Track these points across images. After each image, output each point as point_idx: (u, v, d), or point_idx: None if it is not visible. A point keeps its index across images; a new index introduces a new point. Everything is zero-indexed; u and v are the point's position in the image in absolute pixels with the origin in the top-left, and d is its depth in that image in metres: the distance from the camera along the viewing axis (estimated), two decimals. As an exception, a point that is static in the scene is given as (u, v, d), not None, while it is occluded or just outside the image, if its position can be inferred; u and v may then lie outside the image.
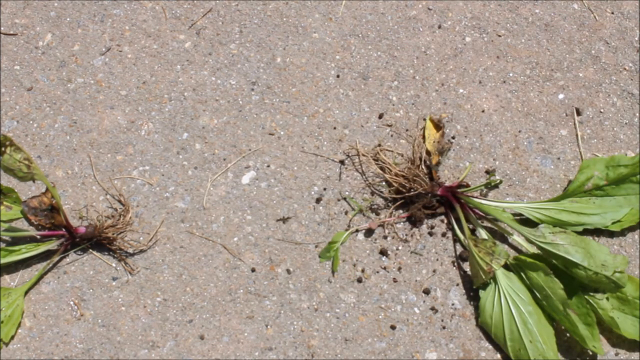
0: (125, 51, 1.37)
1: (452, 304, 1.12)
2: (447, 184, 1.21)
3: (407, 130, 1.28)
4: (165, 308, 1.12)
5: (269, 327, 1.11)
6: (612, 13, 1.41)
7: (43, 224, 1.13)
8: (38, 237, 1.16)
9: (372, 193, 1.22)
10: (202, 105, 1.31)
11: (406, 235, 1.18)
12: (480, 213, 1.18)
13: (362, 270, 1.15)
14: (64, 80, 1.34)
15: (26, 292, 1.13)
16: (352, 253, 1.17)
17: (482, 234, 1.15)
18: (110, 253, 1.16)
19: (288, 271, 1.15)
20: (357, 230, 1.18)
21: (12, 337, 1.10)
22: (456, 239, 1.17)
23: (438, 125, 1.25)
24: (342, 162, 1.25)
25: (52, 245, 1.14)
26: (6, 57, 1.36)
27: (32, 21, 1.41)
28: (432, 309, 1.12)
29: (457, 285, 1.14)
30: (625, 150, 1.26)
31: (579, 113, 1.29)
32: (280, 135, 1.27)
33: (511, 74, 1.34)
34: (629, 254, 1.16)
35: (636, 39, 1.38)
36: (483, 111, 1.30)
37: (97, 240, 1.16)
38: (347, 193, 1.22)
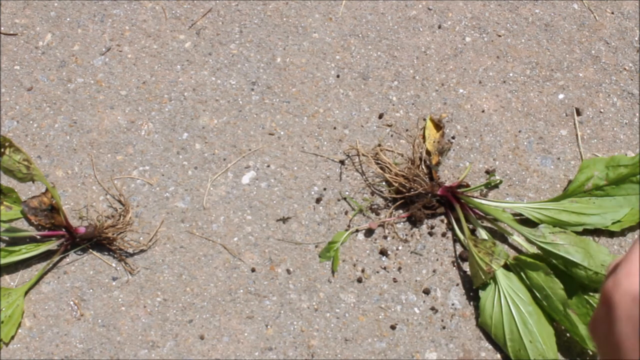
0: (125, 51, 1.37)
1: (452, 304, 1.12)
2: (447, 184, 1.21)
3: (407, 130, 1.28)
4: (165, 308, 1.12)
5: (269, 327, 1.11)
6: (612, 13, 1.41)
7: (43, 224, 1.13)
8: (38, 237, 1.16)
9: (372, 193, 1.22)
10: (202, 105, 1.31)
11: (406, 235, 1.18)
12: (480, 213, 1.18)
13: (362, 270, 1.15)
14: (64, 80, 1.34)
15: (26, 292, 1.13)
16: (352, 253, 1.17)
17: (482, 234, 1.15)
18: (110, 253, 1.16)
19: (288, 271, 1.15)
20: (357, 230, 1.18)
21: (12, 337, 1.10)
22: (456, 239, 1.17)
23: (438, 125, 1.25)
24: (342, 162, 1.25)
25: (52, 245, 1.14)
26: (6, 57, 1.36)
27: (32, 21, 1.41)
28: (432, 309, 1.12)
29: (457, 285, 1.14)
30: (625, 150, 1.26)
31: (579, 113, 1.29)
32: (280, 135, 1.27)
33: (511, 74, 1.34)
34: (629, 254, 1.16)
35: (636, 39, 1.38)
36: (483, 111, 1.30)
37: (97, 240, 1.16)
38: (347, 193, 1.22)
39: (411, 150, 1.25)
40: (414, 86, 1.33)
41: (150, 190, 1.22)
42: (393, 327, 1.10)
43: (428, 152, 1.22)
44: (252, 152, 1.26)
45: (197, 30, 1.39)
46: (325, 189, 1.22)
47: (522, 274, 1.09)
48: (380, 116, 1.29)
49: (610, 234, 1.17)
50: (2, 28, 1.40)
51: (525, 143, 1.27)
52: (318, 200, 1.21)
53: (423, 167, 1.20)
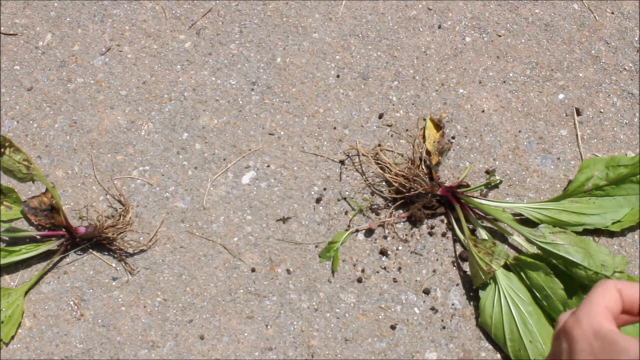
0: (125, 51, 1.37)
1: (452, 304, 1.12)
2: (447, 184, 1.21)
3: (407, 130, 1.28)
4: (165, 308, 1.12)
5: (269, 327, 1.11)
6: (612, 13, 1.41)
7: (43, 224, 1.13)
8: (38, 237, 1.16)
9: (372, 193, 1.22)
10: (202, 105, 1.31)
11: (406, 235, 1.18)
12: (480, 213, 1.18)
13: (362, 270, 1.15)
14: (64, 80, 1.34)
15: (26, 292, 1.13)
16: (352, 253, 1.17)
17: (482, 234, 1.15)
18: (110, 253, 1.16)
19: (288, 271, 1.15)
20: (357, 230, 1.18)
21: (12, 337, 1.10)
22: (456, 239, 1.17)
23: (438, 125, 1.25)
24: (342, 162, 1.25)
25: (52, 245, 1.14)
26: (6, 57, 1.36)
27: (32, 21, 1.41)
28: (432, 309, 1.12)
29: (457, 285, 1.14)
30: (625, 150, 1.26)
31: (579, 113, 1.29)
32: (280, 135, 1.27)
33: (511, 74, 1.34)
34: (629, 254, 1.16)
35: (636, 39, 1.38)
36: (483, 111, 1.30)
37: (97, 240, 1.16)
38: (347, 193, 1.22)
39: (411, 150, 1.25)
40: (414, 86, 1.33)
41: (150, 190, 1.22)
42: (393, 327, 1.10)
43: (428, 152, 1.22)
44: (252, 152, 1.26)
45: (197, 30, 1.39)
46: (325, 189, 1.22)
47: (522, 274, 1.09)
48: (380, 116, 1.29)
49: (610, 234, 1.17)
50: (2, 28, 1.40)
51: (525, 143, 1.27)
52: (318, 200, 1.21)
53: (423, 167, 1.20)
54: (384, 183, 1.23)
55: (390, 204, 1.21)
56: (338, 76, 1.34)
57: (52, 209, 1.13)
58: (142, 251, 1.17)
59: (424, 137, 1.25)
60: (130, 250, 1.16)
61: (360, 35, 1.39)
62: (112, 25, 1.40)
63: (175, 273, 1.15)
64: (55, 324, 1.11)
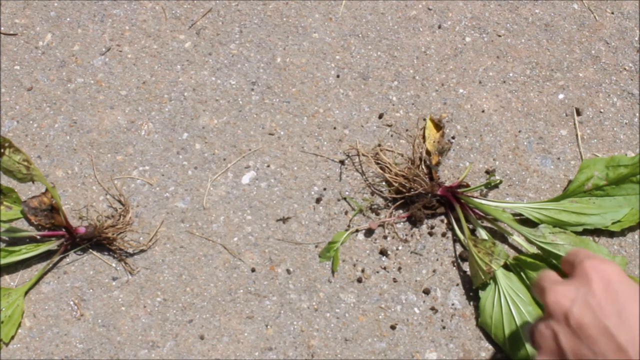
0: (125, 51, 1.37)
1: (452, 304, 1.12)
2: (447, 184, 1.21)
3: (407, 130, 1.28)
4: (165, 308, 1.12)
5: (269, 327, 1.11)
6: (612, 13, 1.41)
7: (43, 224, 1.13)
8: (38, 237, 1.16)
9: (372, 193, 1.22)
10: (202, 105, 1.31)
11: (406, 235, 1.18)
12: (480, 213, 1.18)
13: (362, 270, 1.15)
14: (64, 80, 1.34)
15: (26, 292, 1.13)
16: (352, 253, 1.17)
17: (482, 234, 1.15)
18: (110, 253, 1.17)
19: (288, 271, 1.15)
20: (357, 230, 1.18)
21: (12, 337, 1.10)
22: (456, 239, 1.17)
23: (438, 125, 1.25)
24: (342, 162, 1.25)
25: (52, 245, 1.14)
26: (6, 57, 1.36)
27: (32, 21, 1.41)
28: (432, 309, 1.12)
29: (457, 285, 1.14)
30: (625, 150, 1.26)
31: (579, 113, 1.29)
32: (280, 135, 1.27)
33: (511, 74, 1.34)
34: (629, 254, 1.16)
35: (636, 39, 1.38)
36: (483, 111, 1.30)
37: (97, 240, 1.16)
38: (347, 193, 1.22)
39: (411, 150, 1.25)
40: (414, 86, 1.33)
41: (150, 190, 1.22)
42: (393, 327, 1.11)
43: (428, 152, 1.22)
44: (252, 152, 1.26)
45: (197, 30, 1.39)
46: (325, 189, 1.22)
47: (522, 274, 1.09)
48: (380, 116, 1.29)
49: (610, 234, 1.17)
50: (2, 28, 1.40)
51: (525, 143, 1.27)
52: (318, 200, 1.21)
53: (423, 167, 1.20)
54: (384, 183, 1.23)
55: (390, 204, 1.21)
56: (338, 76, 1.34)
57: (52, 209, 1.13)
58: (142, 251, 1.17)
59: (424, 137, 1.25)
60: (130, 250, 1.16)
61: (360, 35, 1.39)
62: (112, 25, 1.40)
63: (175, 273, 1.15)
64: (55, 324, 1.11)
